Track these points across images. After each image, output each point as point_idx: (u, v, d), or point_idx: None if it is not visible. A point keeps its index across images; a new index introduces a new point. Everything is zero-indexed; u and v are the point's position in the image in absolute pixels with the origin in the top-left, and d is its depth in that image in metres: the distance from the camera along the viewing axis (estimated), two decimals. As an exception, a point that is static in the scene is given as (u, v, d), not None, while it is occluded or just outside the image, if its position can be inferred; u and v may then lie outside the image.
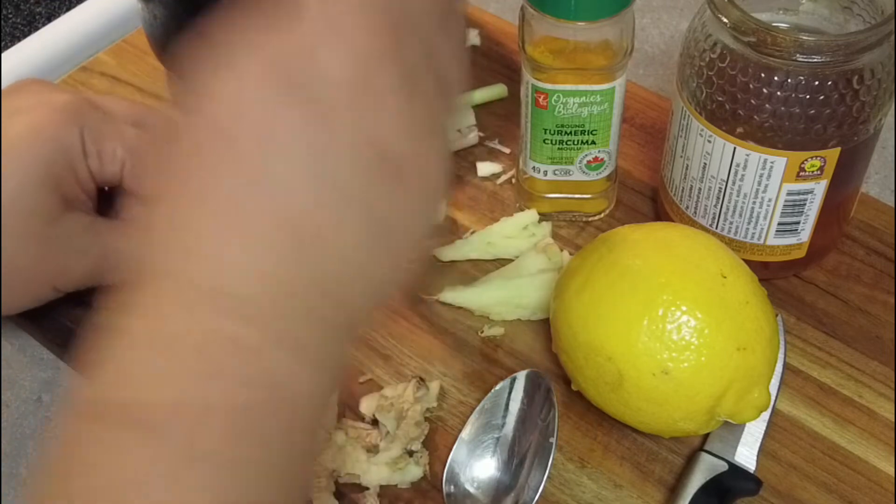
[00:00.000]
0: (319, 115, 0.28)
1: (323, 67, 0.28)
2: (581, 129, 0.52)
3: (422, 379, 0.50)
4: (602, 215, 0.58)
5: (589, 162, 0.54)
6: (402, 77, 0.30)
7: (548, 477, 0.45)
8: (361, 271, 0.30)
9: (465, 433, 0.47)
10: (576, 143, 0.53)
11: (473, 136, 0.61)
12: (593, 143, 0.53)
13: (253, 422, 0.27)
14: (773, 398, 0.48)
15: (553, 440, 0.46)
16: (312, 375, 0.29)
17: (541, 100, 0.51)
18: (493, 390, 0.48)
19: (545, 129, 0.52)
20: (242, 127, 0.28)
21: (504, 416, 0.47)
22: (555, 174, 0.55)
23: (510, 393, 0.48)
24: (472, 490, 0.46)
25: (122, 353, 0.27)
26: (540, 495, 0.45)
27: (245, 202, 0.28)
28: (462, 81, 0.35)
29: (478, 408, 0.48)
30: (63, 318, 0.52)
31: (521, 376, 0.48)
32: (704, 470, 0.45)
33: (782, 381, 0.49)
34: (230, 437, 0.26)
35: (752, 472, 0.46)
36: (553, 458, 0.46)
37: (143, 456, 0.25)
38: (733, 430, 0.47)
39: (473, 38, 0.68)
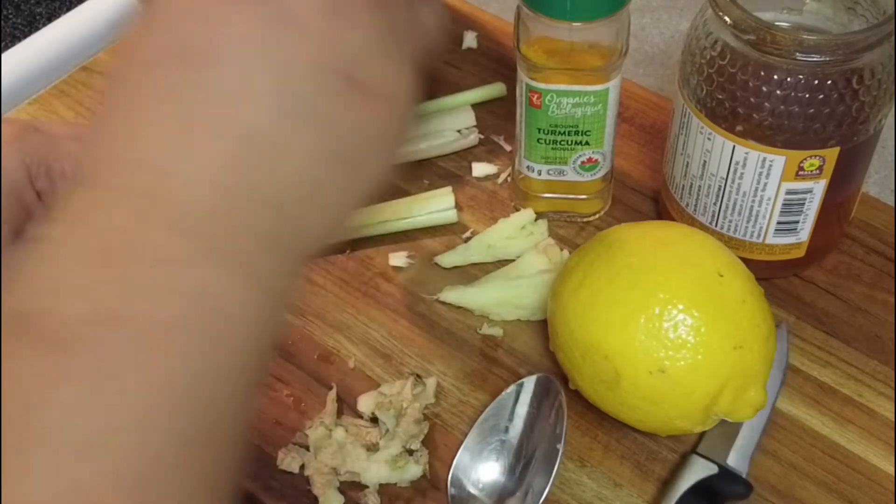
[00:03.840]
0: (283, 31, 0.28)
1: None
2: (575, 129, 0.52)
3: (418, 376, 0.50)
4: (598, 216, 0.58)
5: (583, 163, 0.54)
6: (372, 4, 0.29)
7: (553, 482, 0.45)
8: (316, 191, 0.29)
9: (471, 435, 0.47)
10: (569, 143, 0.53)
11: (473, 138, 0.61)
12: (587, 143, 0.53)
13: (178, 335, 0.25)
14: (770, 403, 0.48)
15: (560, 446, 0.46)
16: (251, 294, 0.27)
17: (535, 99, 0.51)
18: (504, 392, 0.48)
19: (539, 129, 0.52)
20: (201, 36, 0.27)
21: (511, 420, 0.47)
22: (549, 174, 0.55)
23: (519, 396, 0.48)
24: (475, 492, 0.46)
25: (41, 262, 0.26)
26: (544, 500, 0.45)
27: (196, 111, 0.27)
28: (439, 31, 0.34)
29: (486, 410, 0.48)
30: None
31: (531, 380, 0.48)
32: (695, 472, 0.45)
33: (782, 387, 0.49)
34: (151, 351, 0.25)
35: (743, 475, 0.46)
36: (560, 464, 0.45)
37: (54, 374, 0.24)
38: (727, 433, 0.47)
39: (470, 40, 0.68)
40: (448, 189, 0.58)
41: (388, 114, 0.31)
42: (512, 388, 0.48)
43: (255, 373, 0.28)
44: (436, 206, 0.57)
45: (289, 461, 0.47)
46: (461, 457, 0.47)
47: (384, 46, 0.30)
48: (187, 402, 0.25)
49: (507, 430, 0.47)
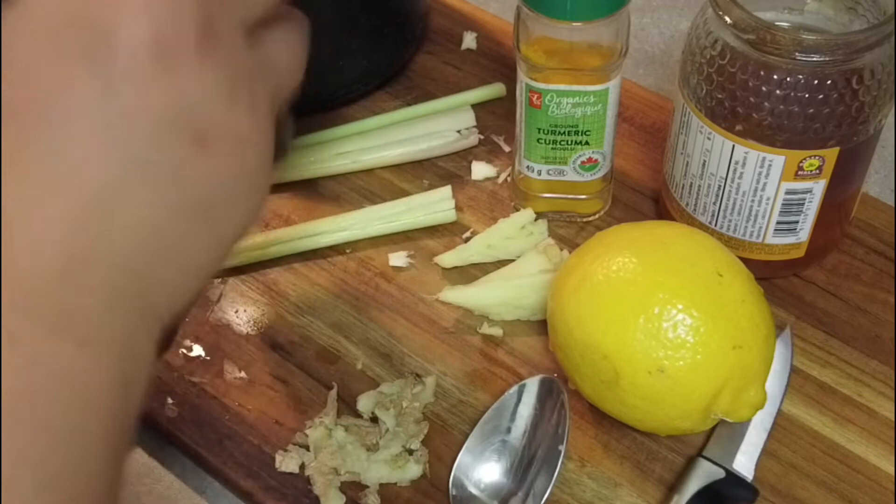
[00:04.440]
0: (114, 86, 0.27)
1: (118, 30, 0.27)
2: (574, 129, 0.52)
3: (418, 375, 0.50)
4: (598, 216, 0.58)
5: (583, 163, 0.54)
6: (208, 42, 0.28)
7: (554, 483, 0.45)
8: (168, 245, 0.29)
9: (473, 435, 0.47)
10: (569, 143, 0.53)
11: (473, 138, 0.61)
12: (587, 143, 0.53)
13: (36, 412, 0.26)
14: (776, 407, 0.48)
15: (562, 447, 0.46)
16: (103, 361, 0.28)
17: (534, 99, 0.51)
18: (506, 393, 0.48)
19: (539, 129, 0.52)
20: (33, 100, 0.27)
21: (513, 420, 0.47)
22: (549, 174, 0.55)
23: (521, 397, 0.48)
24: (476, 493, 0.46)
25: None
26: (545, 501, 0.45)
27: (36, 177, 0.27)
28: (295, 68, 0.33)
29: (488, 411, 0.48)
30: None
31: (534, 381, 0.48)
32: (701, 476, 0.45)
33: (787, 390, 0.49)
34: (12, 430, 0.25)
35: (749, 480, 0.46)
36: (561, 465, 0.45)
37: None
38: (734, 436, 0.47)
39: (470, 40, 0.68)
40: (448, 189, 0.58)
41: (237, 160, 0.30)
42: (514, 389, 0.48)
43: (118, 435, 0.28)
44: (435, 205, 0.57)
45: (289, 461, 0.47)
46: (463, 457, 0.47)
47: (225, 90, 0.29)
48: (47, 474, 0.26)
49: (508, 430, 0.47)
